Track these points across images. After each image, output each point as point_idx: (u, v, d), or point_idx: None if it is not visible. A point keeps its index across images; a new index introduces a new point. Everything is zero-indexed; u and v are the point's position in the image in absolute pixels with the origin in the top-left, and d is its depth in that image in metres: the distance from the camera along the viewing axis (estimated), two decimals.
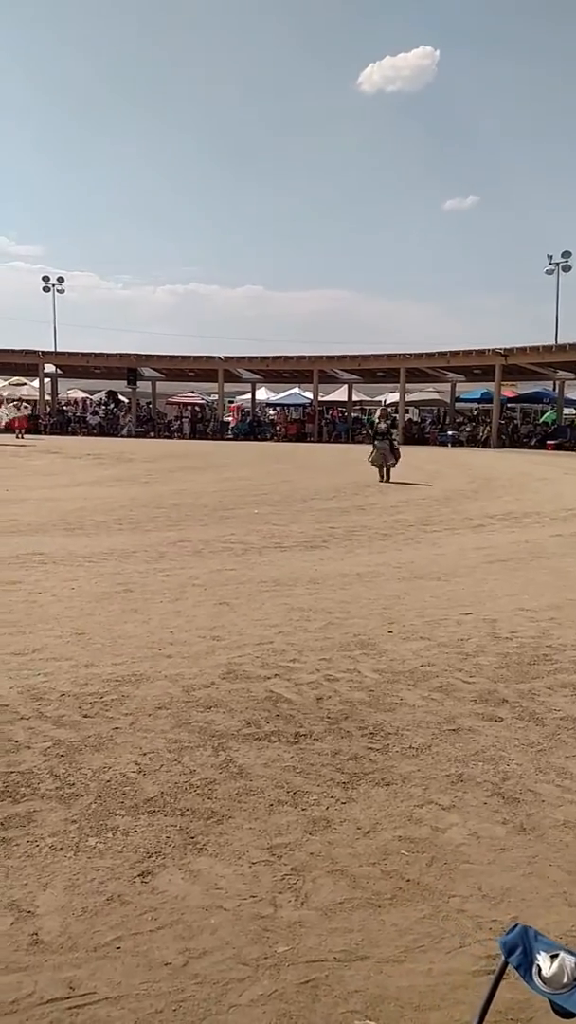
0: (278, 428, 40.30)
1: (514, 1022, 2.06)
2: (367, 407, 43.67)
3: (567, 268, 39.20)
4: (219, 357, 40.86)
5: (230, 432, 40.56)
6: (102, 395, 45.30)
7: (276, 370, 41.31)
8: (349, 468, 20.18)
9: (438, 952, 2.34)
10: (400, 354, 37.20)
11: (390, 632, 5.60)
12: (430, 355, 36.15)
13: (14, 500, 12.90)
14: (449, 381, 39.02)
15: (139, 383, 41.16)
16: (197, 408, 45.13)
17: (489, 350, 33.93)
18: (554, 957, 1.52)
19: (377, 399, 41.32)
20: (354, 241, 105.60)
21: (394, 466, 17.40)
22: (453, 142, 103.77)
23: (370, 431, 22.51)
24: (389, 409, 23.43)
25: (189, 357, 41.77)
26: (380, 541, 9.68)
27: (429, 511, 12.57)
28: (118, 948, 2.32)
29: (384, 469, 17.29)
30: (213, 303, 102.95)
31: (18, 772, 3.38)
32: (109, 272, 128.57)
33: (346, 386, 42.13)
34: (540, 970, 1.53)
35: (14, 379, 42.33)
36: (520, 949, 1.59)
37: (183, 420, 42.15)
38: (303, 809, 3.13)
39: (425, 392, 42.73)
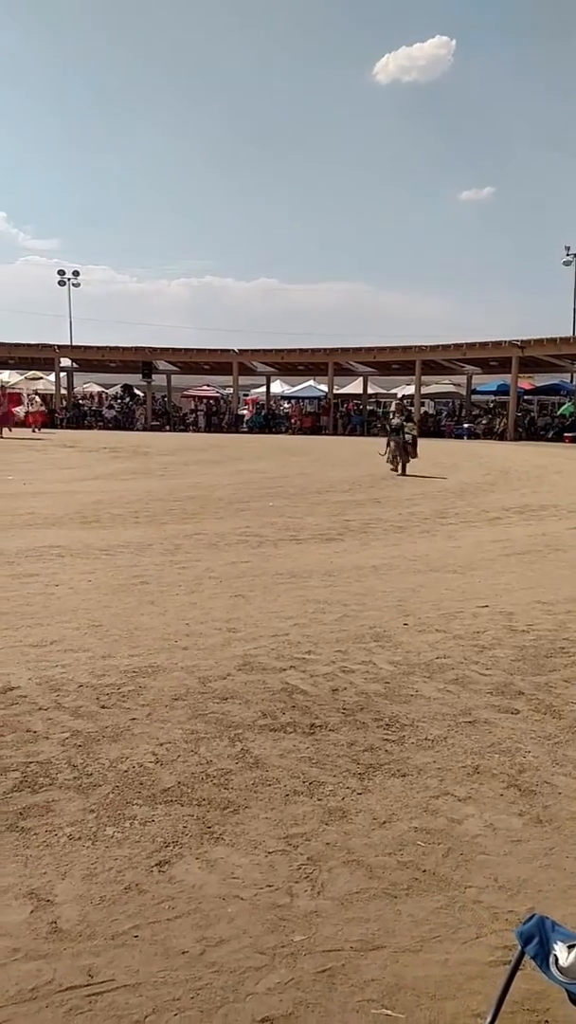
0: (293, 421, 40.28)
1: (530, 1012, 2.06)
2: (382, 400, 43.51)
3: None
4: (234, 350, 40.88)
5: (245, 425, 40.59)
6: (117, 389, 45.42)
7: (291, 363, 41.23)
8: (364, 461, 20.11)
9: (454, 942, 2.34)
10: (415, 346, 37.04)
11: (405, 624, 5.60)
12: (446, 347, 35.95)
13: (32, 493, 12.98)
14: (465, 373, 38.78)
15: (154, 376, 41.20)
16: (212, 401, 45.12)
17: (505, 342, 33.68)
18: (572, 947, 1.52)
19: (393, 391, 41.14)
20: (369, 233, 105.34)
21: (409, 462, 17.12)
22: (469, 132, 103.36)
23: (387, 426, 21.36)
24: (405, 402, 22.70)
25: (204, 350, 41.81)
26: (396, 534, 9.65)
27: (445, 504, 12.51)
28: (136, 936, 2.35)
29: (399, 461, 17.13)
30: (228, 296, 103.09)
31: (36, 762, 3.41)
32: (124, 265, 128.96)
33: (361, 378, 41.96)
34: (557, 960, 1.53)
35: (30, 373, 42.55)
36: (537, 939, 1.59)
37: (198, 413, 42.23)
38: (319, 799, 3.14)
39: (441, 384, 42.50)
